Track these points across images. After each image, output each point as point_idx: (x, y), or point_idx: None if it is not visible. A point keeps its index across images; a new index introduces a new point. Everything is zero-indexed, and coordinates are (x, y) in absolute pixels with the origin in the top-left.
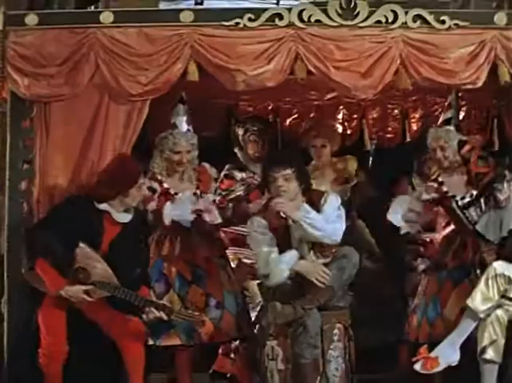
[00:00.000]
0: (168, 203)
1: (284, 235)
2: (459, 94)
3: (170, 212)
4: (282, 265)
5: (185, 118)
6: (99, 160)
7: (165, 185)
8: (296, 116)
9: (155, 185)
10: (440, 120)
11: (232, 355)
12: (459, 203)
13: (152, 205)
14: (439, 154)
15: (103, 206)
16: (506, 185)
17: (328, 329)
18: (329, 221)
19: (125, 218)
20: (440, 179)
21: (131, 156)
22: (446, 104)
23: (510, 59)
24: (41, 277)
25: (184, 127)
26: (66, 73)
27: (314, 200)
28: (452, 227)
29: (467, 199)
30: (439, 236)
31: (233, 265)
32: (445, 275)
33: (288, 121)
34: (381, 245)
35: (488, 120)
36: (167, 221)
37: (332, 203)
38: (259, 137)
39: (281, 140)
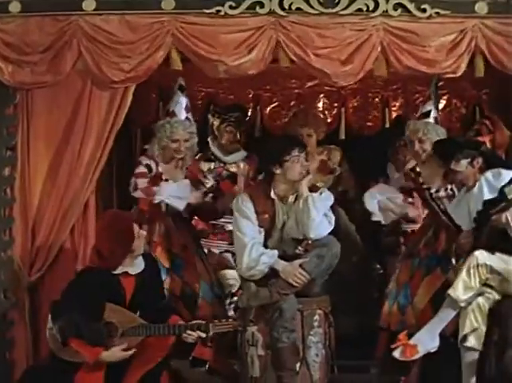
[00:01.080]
0: (164, 184)
1: (271, 219)
2: (440, 83)
3: (165, 194)
4: (261, 265)
5: (184, 106)
6: (80, 148)
7: (160, 169)
8: (276, 104)
9: (153, 165)
10: (419, 113)
11: (209, 343)
12: (433, 195)
13: (143, 181)
14: (417, 146)
15: (119, 269)
16: (465, 161)
17: (308, 315)
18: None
19: (139, 266)
20: (418, 170)
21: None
22: (426, 94)
23: (490, 48)
24: (78, 351)
25: (183, 115)
26: (49, 61)
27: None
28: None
29: (442, 193)
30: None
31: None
32: (417, 263)
33: (268, 109)
34: (361, 233)
35: (468, 109)
36: (156, 199)
37: (326, 198)
38: (236, 128)
39: (261, 129)
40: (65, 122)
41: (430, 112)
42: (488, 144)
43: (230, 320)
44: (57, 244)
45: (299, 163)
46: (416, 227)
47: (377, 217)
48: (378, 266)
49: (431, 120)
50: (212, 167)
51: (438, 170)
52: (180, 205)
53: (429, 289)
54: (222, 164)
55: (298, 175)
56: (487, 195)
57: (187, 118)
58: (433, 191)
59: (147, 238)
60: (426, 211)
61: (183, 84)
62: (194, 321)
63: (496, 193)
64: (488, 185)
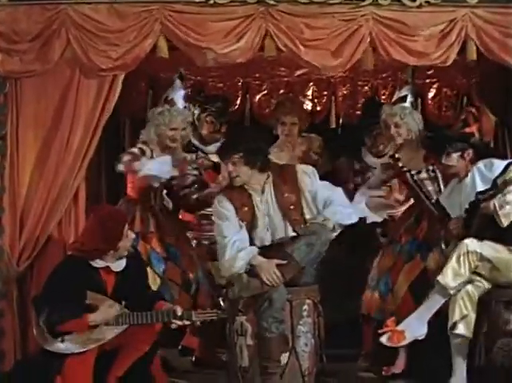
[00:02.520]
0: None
1: (251, 211)
2: (430, 72)
3: (147, 167)
4: (239, 262)
5: (182, 95)
6: (69, 136)
7: (154, 155)
8: (265, 92)
9: (148, 151)
10: (395, 98)
11: (197, 333)
12: (415, 177)
13: (127, 157)
14: (393, 130)
15: (100, 263)
16: (456, 155)
17: (297, 305)
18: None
19: (121, 264)
20: (397, 156)
21: (111, 206)
22: (403, 79)
23: (480, 37)
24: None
25: (181, 103)
26: (37, 49)
27: (286, 175)
28: (411, 202)
29: (423, 175)
30: (399, 212)
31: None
32: (398, 250)
33: (257, 97)
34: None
35: (458, 98)
36: (141, 173)
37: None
38: (216, 118)
39: (249, 118)
40: (54, 111)
41: (406, 96)
42: (476, 133)
43: (214, 310)
44: (45, 234)
45: (227, 169)
46: (394, 212)
47: (373, 218)
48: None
49: (407, 104)
50: (194, 157)
51: (417, 153)
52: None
53: (409, 276)
54: (203, 155)
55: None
56: (480, 186)
57: (185, 107)
58: (414, 172)
59: (141, 230)
60: (404, 195)
61: (183, 73)
62: (175, 308)
63: (489, 184)
64: (481, 176)
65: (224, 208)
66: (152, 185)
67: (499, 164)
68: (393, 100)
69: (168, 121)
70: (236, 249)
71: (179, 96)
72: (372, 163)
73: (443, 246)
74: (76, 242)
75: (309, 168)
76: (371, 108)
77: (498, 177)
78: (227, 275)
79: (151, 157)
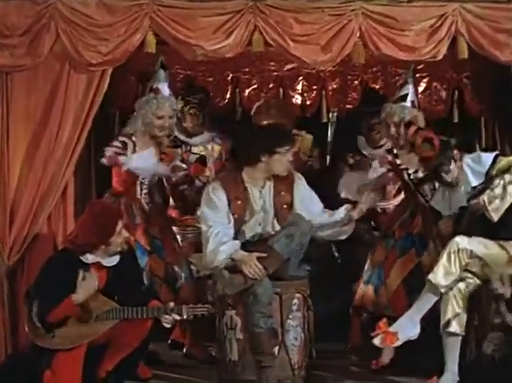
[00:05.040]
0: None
1: (244, 205)
2: (420, 66)
3: (132, 161)
4: (221, 255)
5: (166, 83)
6: (58, 130)
7: (137, 148)
8: (255, 86)
9: (130, 143)
10: (395, 96)
11: (187, 327)
12: (412, 176)
13: (111, 150)
14: (393, 130)
15: (91, 258)
16: (453, 165)
17: (287, 299)
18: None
19: (113, 260)
20: (395, 151)
21: (104, 201)
22: (404, 78)
23: (470, 32)
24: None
25: (167, 91)
26: (28, 43)
27: (284, 177)
28: (403, 195)
29: (420, 175)
30: (391, 205)
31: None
32: (392, 244)
33: (247, 92)
34: None
35: (448, 92)
36: (125, 167)
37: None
38: (199, 110)
39: (241, 112)
40: (44, 105)
41: (406, 95)
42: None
43: (205, 305)
44: (35, 227)
45: (286, 159)
46: (387, 204)
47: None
48: (337, 254)
49: (407, 103)
50: (179, 152)
51: (415, 155)
52: (145, 173)
53: (402, 270)
54: (188, 148)
55: (284, 169)
56: (474, 182)
57: (170, 95)
58: (411, 171)
59: (127, 222)
60: (397, 187)
61: (163, 60)
62: (168, 306)
63: (482, 178)
64: (471, 170)
65: (216, 197)
66: (139, 178)
67: (487, 157)
68: (394, 98)
69: (156, 109)
70: (219, 241)
71: (163, 85)
72: (369, 154)
73: (432, 244)
74: (70, 234)
75: (302, 176)
76: (370, 97)
77: (489, 170)
78: (209, 268)
79: (134, 151)
